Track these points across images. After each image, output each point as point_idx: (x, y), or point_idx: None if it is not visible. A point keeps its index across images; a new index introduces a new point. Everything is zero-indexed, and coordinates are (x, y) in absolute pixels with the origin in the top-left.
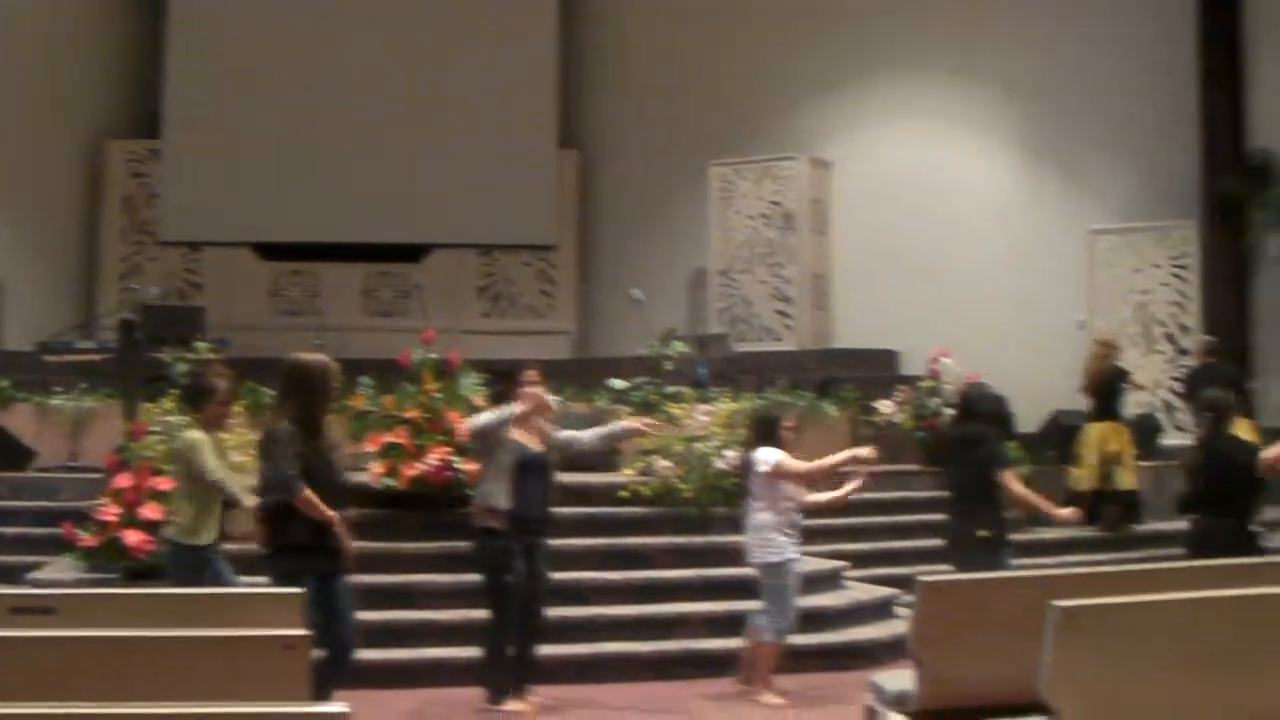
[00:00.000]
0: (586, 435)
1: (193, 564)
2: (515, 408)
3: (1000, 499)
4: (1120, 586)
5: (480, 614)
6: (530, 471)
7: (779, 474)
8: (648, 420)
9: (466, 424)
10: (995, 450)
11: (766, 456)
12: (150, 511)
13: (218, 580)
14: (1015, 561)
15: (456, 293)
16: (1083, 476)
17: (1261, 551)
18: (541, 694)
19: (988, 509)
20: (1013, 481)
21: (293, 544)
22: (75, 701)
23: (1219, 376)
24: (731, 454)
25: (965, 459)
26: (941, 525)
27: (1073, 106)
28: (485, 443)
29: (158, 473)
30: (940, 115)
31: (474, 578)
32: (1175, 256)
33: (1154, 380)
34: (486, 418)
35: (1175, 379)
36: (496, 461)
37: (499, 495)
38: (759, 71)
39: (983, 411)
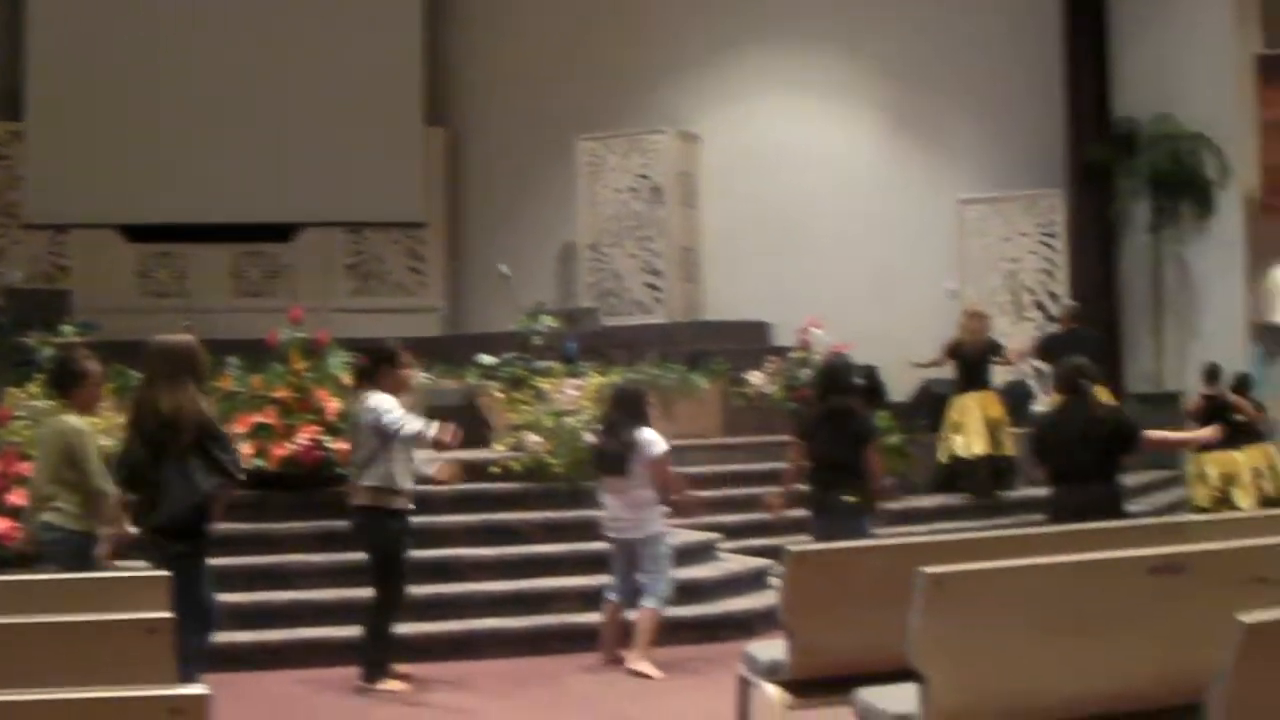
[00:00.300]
0: (406, 429)
1: (83, 550)
2: (432, 430)
3: (866, 469)
4: (987, 552)
5: (356, 593)
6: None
7: (663, 462)
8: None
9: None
10: (866, 422)
11: (654, 439)
12: (18, 498)
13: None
14: (892, 529)
15: (326, 271)
16: (970, 443)
17: (1125, 515)
18: (415, 671)
19: (854, 479)
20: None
21: (163, 526)
22: None
23: (1083, 342)
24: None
25: (834, 431)
26: (806, 496)
27: (938, 76)
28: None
29: (25, 458)
30: (807, 87)
31: (348, 557)
32: (1043, 224)
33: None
34: (416, 427)
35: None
36: (401, 444)
37: (403, 476)
38: (627, 46)
39: (845, 384)
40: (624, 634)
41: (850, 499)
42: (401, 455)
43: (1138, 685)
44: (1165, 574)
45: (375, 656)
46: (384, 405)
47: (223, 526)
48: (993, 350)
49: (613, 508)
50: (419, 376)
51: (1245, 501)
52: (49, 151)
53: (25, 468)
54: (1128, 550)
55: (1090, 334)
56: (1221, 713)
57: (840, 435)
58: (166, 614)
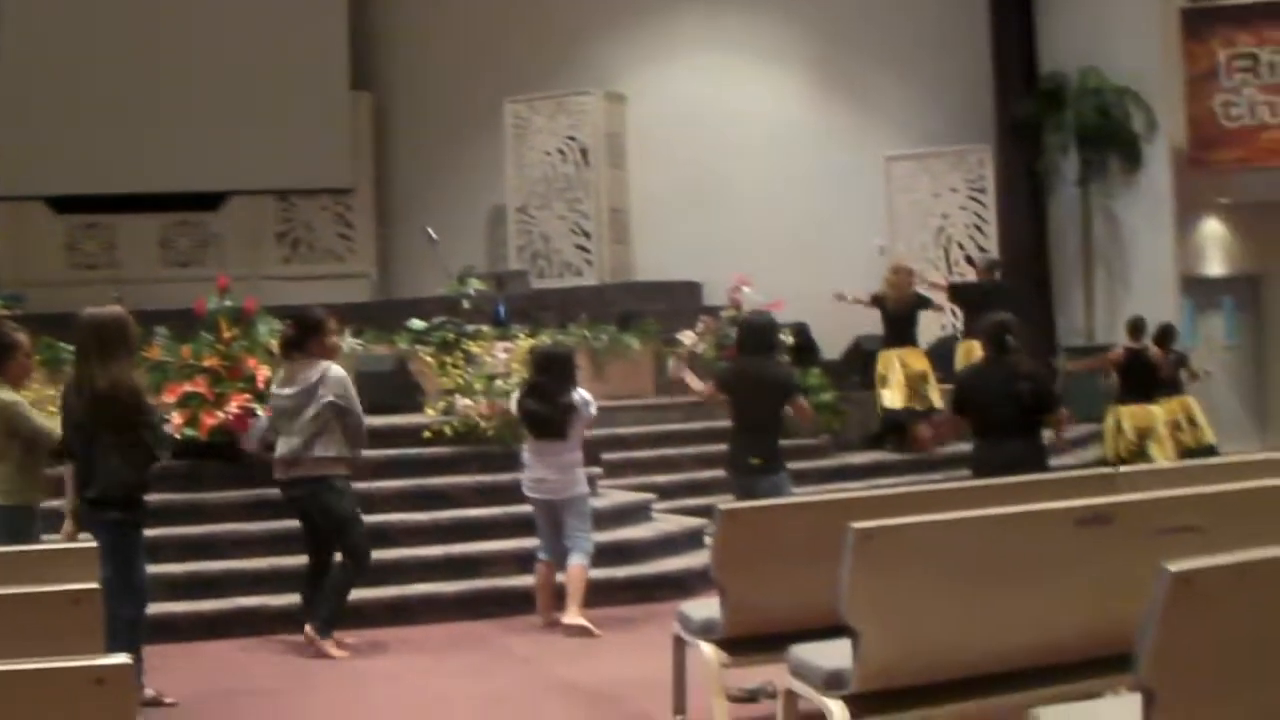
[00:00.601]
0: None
1: (18, 526)
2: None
3: (780, 429)
4: (916, 507)
5: (289, 561)
6: None
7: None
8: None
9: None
10: (788, 378)
11: (590, 399)
12: None
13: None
14: (824, 486)
15: (255, 239)
16: (894, 396)
17: (1048, 470)
18: (350, 637)
19: (772, 437)
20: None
21: (99, 498)
22: None
23: (1001, 295)
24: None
25: (754, 389)
26: (724, 455)
27: (864, 34)
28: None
29: None
30: (732, 46)
31: (281, 525)
32: (972, 180)
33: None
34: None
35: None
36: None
37: (342, 445)
38: (553, 8)
39: (766, 342)
40: (558, 595)
41: (757, 460)
42: (335, 426)
43: (1067, 636)
44: (1093, 525)
45: (334, 615)
46: (346, 381)
47: (154, 497)
48: (921, 305)
49: (538, 469)
50: (347, 343)
51: (1161, 454)
52: None
53: None
54: (1055, 502)
55: (1007, 287)
56: (1149, 662)
57: (760, 393)
58: (93, 585)
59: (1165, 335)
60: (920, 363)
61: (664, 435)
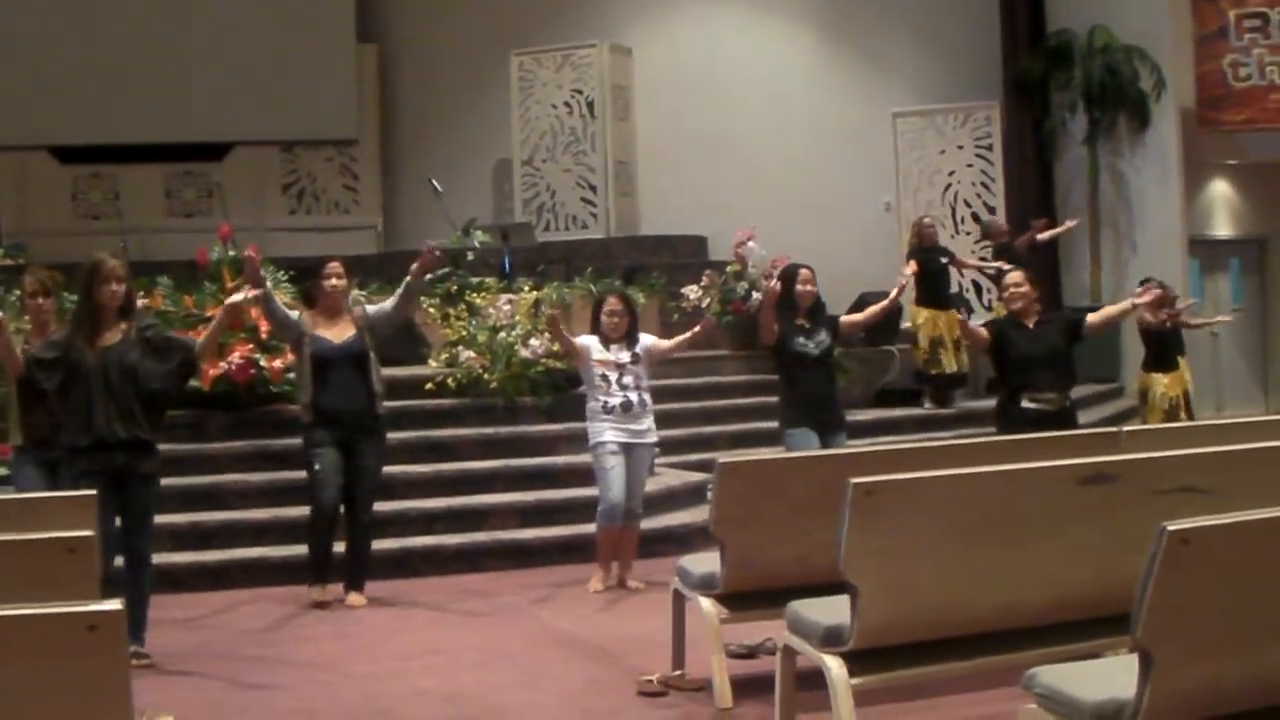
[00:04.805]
0: (389, 301)
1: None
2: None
3: None
4: (917, 463)
5: (292, 512)
6: (334, 365)
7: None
8: (431, 244)
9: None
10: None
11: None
12: None
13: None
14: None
15: (260, 190)
16: (950, 359)
17: (1075, 425)
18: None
19: None
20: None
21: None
22: None
23: (1014, 256)
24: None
25: None
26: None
27: None
28: (286, 336)
29: None
30: None
31: (285, 476)
32: (979, 138)
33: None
34: (282, 311)
35: (983, 259)
36: (301, 356)
37: (302, 390)
38: None
39: None
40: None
41: None
42: (299, 367)
43: (1069, 596)
44: (1096, 484)
45: (309, 565)
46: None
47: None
48: (936, 257)
49: None
50: (353, 294)
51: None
52: None
53: None
54: (1059, 460)
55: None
56: (1146, 622)
57: None
58: (87, 533)
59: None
60: (945, 327)
61: (668, 389)
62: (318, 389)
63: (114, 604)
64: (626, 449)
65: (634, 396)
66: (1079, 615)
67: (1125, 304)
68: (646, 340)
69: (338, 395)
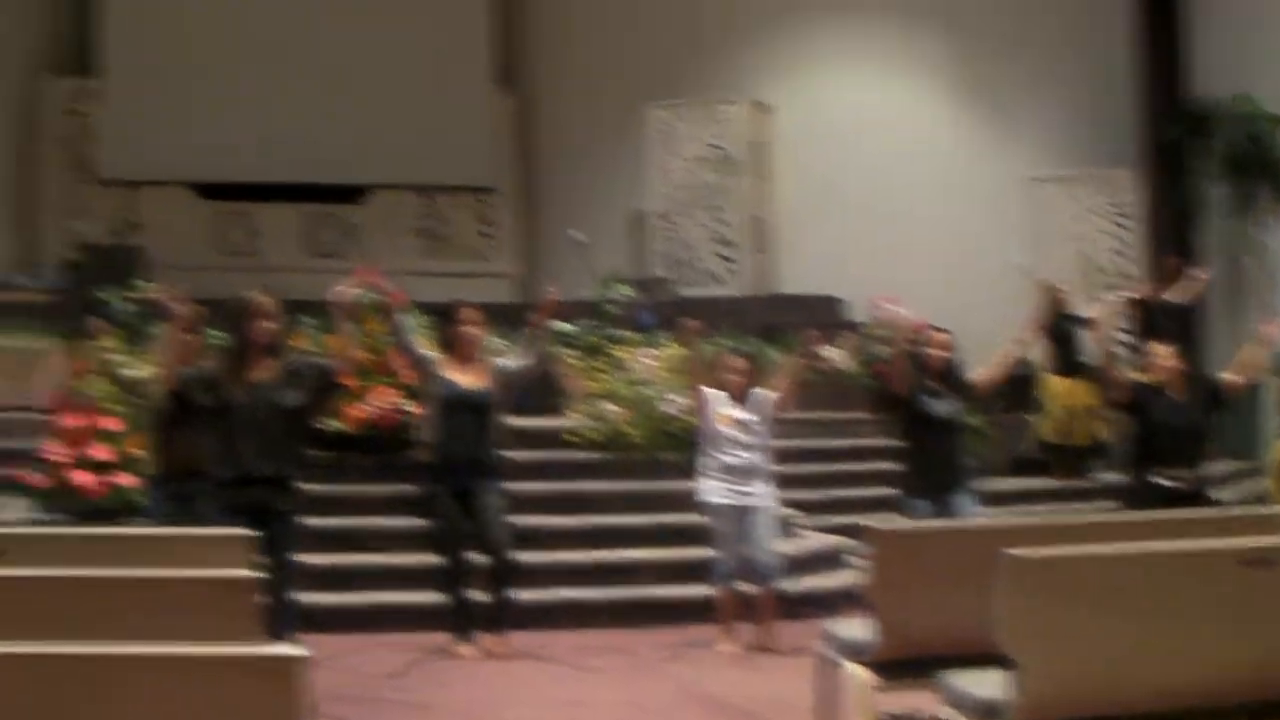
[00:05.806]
0: (524, 359)
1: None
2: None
3: None
4: (1072, 536)
5: (433, 558)
6: (459, 410)
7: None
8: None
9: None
10: None
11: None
12: (100, 452)
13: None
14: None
15: (396, 234)
16: (1048, 428)
17: (1209, 503)
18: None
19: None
20: None
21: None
22: (25, 641)
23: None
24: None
25: None
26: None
27: (1012, 50)
28: (417, 372)
29: (104, 413)
30: (881, 58)
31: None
32: (1116, 204)
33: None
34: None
35: (1121, 329)
36: (429, 397)
37: (427, 432)
38: (699, 12)
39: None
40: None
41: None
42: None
43: (1234, 678)
44: (1255, 567)
45: (450, 618)
46: None
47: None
48: (1069, 324)
49: None
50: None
51: None
52: (124, 108)
53: (107, 421)
54: (1216, 540)
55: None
56: None
57: None
58: (250, 572)
59: None
60: (1083, 396)
61: (807, 451)
62: (441, 432)
63: (300, 649)
64: (737, 510)
65: (753, 457)
66: (1245, 699)
67: (1253, 344)
68: (766, 396)
69: (457, 441)
